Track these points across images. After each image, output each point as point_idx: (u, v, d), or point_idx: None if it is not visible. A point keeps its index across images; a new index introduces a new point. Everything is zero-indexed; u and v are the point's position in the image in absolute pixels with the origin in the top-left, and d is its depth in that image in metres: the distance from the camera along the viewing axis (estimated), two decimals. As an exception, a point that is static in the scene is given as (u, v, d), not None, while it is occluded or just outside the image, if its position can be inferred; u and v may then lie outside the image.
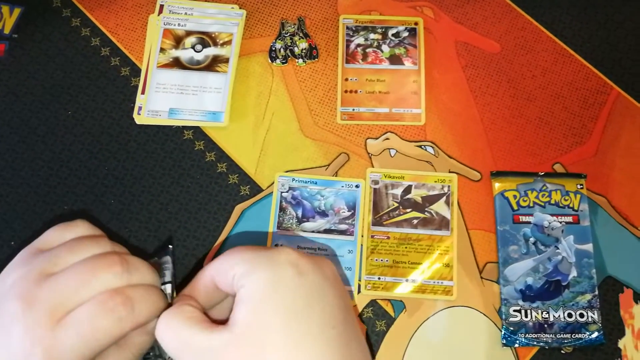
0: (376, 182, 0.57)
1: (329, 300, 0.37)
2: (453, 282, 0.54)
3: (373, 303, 0.54)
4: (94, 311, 0.35)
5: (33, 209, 0.56)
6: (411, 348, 0.53)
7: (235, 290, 0.36)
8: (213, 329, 0.34)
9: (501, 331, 0.53)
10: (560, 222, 0.55)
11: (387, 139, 0.59)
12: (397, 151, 0.59)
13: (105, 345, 0.36)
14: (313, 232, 0.56)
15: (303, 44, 0.61)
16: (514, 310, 0.53)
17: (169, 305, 0.40)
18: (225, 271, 0.37)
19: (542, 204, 0.56)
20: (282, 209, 0.56)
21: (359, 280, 0.54)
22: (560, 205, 0.56)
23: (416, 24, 0.63)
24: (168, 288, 0.40)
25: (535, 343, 0.52)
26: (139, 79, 0.60)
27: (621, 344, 0.53)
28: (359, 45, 0.62)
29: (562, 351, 0.53)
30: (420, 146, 0.59)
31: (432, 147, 0.59)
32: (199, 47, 0.61)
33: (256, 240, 0.55)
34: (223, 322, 0.35)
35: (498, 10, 0.64)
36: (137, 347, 0.41)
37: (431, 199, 0.57)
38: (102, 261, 0.37)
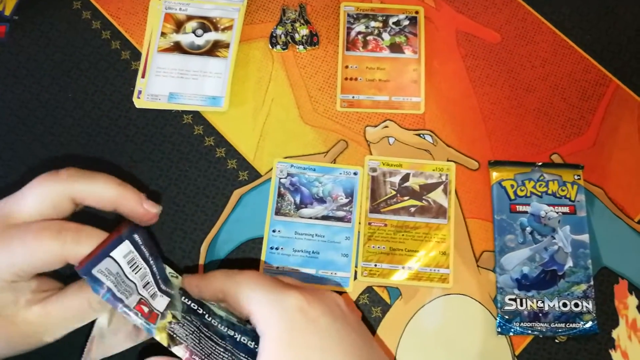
0: (374, 170, 0.57)
1: (345, 339, 0.38)
2: (449, 270, 0.55)
3: (369, 290, 0.54)
4: (44, 226, 0.39)
5: (32, 191, 0.56)
6: (406, 335, 0.53)
7: (252, 323, 0.39)
8: None
9: (496, 319, 0.53)
10: (557, 212, 0.56)
11: (386, 126, 0.59)
12: (395, 139, 0.59)
13: (41, 265, 0.38)
14: (311, 218, 0.56)
15: (304, 31, 0.62)
16: (510, 299, 0.53)
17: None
18: (238, 301, 0.40)
19: (539, 194, 0.56)
20: (280, 195, 0.56)
21: (356, 266, 0.55)
22: (557, 195, 0.56)
23: (417, 12, 0.63)
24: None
25: (529, 332, 0.53)
26: (139, 63, 0.60)
27: (615, 334, 0.54)
28: (359, 32, 0.62)
29: (556, 340, 0.53)
30: (419, 134, 0.59)
31: (431, 136, 0.59)
32: (199, 31, 0.61)
33: (253, 225, 0.56)
34: None
35: (499, 1, 0.64)
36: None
37: (429, 187, 0.57)
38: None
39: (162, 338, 0.40)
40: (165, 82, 0.59)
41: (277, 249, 0.55)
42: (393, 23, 0.62)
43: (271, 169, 0.57)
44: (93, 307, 0.41)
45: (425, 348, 0.53)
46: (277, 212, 0.56)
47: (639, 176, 0.58)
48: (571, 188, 0.56)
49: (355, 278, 0.54)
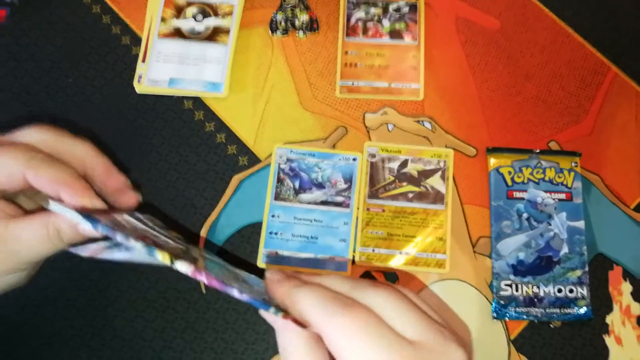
0: (373, 156, 0.58)
1: None
2: (446, 256, 0.55)
3: (367, 274, 0.55)
4: (18, 143, 0.42)
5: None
6: (403, 319, 0.54)
7: None
8: None
9: (492, 304, 0.54)
10: (554, 199, 0.56)
11: (385, 113, 0.59)
12: (394, 125, 0.59)
13: (4, 176, 0.41)
14: (310, 203, 0.56)
15: (304, 17, 0.62)
16: (505, 285, 0.54)
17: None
18: (330, 349, 0.33)
19: (536, 180, 0.57)
20: (279, 180, 0.57)
21: (354, 251, 0.55)
22: (554, 182, 0.57)
23: (417, -1, 0.63)
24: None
25: (525, 317, 0.53)
26: (140, 48, 0.60)
27: (609, 319, 0.54)
28: (359, 19, 0.62)
29: (551, 325, 0.54)
30: (418, 121, 0.59)
31: (430, 122, 0.59)
32: (199, 17, 0.61)
33: (252, 210, 0.56)
34: None
35: (499, -12, 0.64)
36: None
37: (427, 174, 0.57)
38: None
39: (163, 257, 0.36)
40: (166, 68, 0.59)
41: (276, 233, 0.55)
42: (393, 9, 0.62)
43: (271, 154, 0.58)
44: (50, 235, 0.41)
45: (421, 332, 0.53)
46: (277, 197, 0.56)
47: (635, 164, 0.59)
48: (568, 175, 0.57)
49: (353, 263, 0.55)
